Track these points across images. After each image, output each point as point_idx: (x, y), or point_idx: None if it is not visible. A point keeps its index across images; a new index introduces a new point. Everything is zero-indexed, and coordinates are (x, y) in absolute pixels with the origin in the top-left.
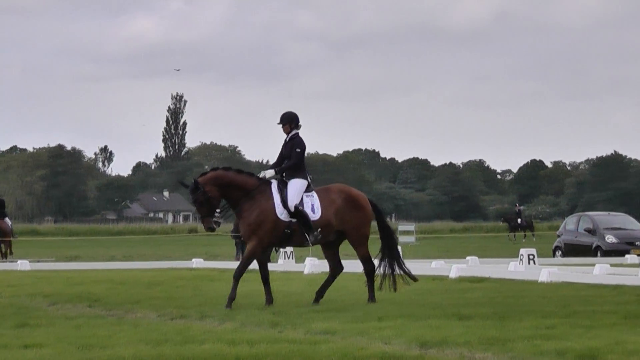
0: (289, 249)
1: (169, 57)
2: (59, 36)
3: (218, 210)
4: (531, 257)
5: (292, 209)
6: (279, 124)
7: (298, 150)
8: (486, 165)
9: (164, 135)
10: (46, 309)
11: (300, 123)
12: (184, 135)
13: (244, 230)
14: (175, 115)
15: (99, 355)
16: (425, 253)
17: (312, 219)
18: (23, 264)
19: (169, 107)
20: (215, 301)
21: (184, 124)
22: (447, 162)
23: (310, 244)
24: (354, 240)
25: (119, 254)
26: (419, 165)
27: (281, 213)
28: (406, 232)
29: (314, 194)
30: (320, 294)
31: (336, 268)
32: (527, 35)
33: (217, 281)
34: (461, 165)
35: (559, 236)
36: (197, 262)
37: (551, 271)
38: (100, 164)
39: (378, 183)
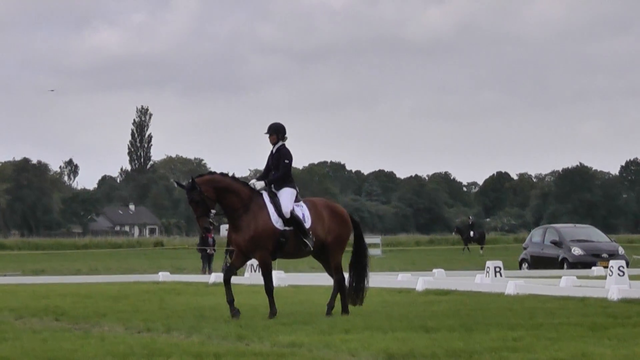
0: (255, 262)
1: (132, 70)
2: (22, 49)
3: (213, 211)
4: (497, 269)
5: (288, 215)
6: (266, 133)
7: (286, 161)
8: (452, 177)
9: (129, 149)
10: (12, 323)
11: (286, 135)
12: (149, 148)
13: (245, 242)
14: (140, 128)
15: None
16: (391, 266)
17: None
18: None
19: (134, 120)
20: (182, 314)
21: (149, 136)
22: (413, 175)
23: (311, 248)
24: (333, 250)
25: (84, 268)
26: (384, 178)
27: (276, 221)
28: (372, 244)
29: (303, 204)
30: (343, 306)
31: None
32: (489, 47)
33: (183, 294)
34: (427, 178)
35: (525, 248)
36: (163, 276)
37: (517, 283)
38: (65, 177)
39: (343, 195)
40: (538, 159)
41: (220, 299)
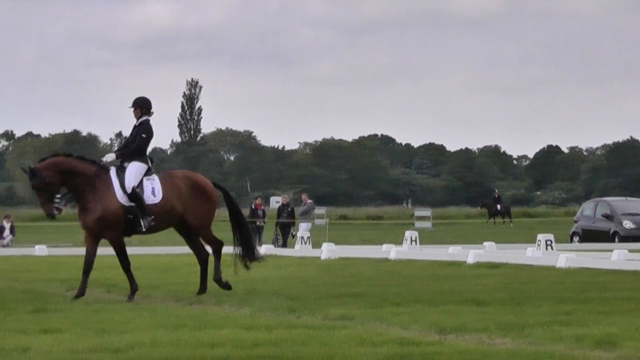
0: (306, 235)
1: (182, 43)
2: (71, 21)
3: (58, 195)
4: (549, 242)
5: (129, 190)
6: (130, 107)
7: (143, 135)
8: (502, 150)
9: (179, 121)
10: (64, 294)
11: (152, 110)
12: (199, 120)
13: (93, 223)
14: (190, 100)
15: (117, 340)
16: (441, 239)
17: (152, 201)
18: (40, 250)
19: (184, 92)
20: (233, 286)
21: (199, 109)
22: (463, 148)
23: (144, 229)
24: (196, 226)
25: (134, 239)
26: (434, 151)
27: (121, 198)
28: (422, 217)
29: (155, 177)
30: (202, 286)
31: (202, 255)
32: (539, 20)
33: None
34: (477, 151)
35: (576, 222)
36: None
37: (569, 257)
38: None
39: (393, 168)
40: (589, 133)
41: (272, 271)
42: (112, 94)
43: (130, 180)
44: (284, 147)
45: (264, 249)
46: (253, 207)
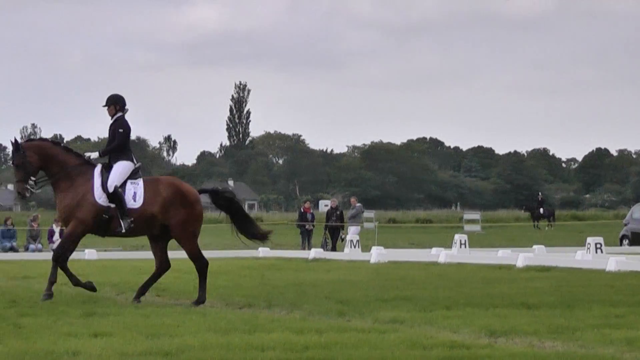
0: (355, 238)
1: (230, 46)
2: (120, 25)
3: (33, 178)
4: (598, 245)
5: (111, 190)
6: (103, 106)
7: (120, 130)
8: (551, 153)
9: (227, 124)
10: (114, 298)
11: (127, 107)
12: (247, 124)
13: (60, 211)
14: (238, 104)
15: (168, 344)
16: (490, 242)
17: (132, 206)
18: (90, 253)
19: (232, 96)
20: (282, 290)
21: (248, 112)
22: (512, 151)
23: (123, 230)
24: (178, 236)
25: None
26: (482, 154)
27: (99, 197)
28: (471, 220)
29: (140, 182)
30: (142, 291)
31: (162, 265)
32: (589, 21)
33: (283, 270)
34: (525, 154)
35: (625, 225)
36: (263, 251)
37: (619, 260)
38: (164, 153)
39: (442, 171)
40: (638, 135)
41: (322, 275)
42: (161, 97)
43: (114, 179)
44: (332, 150)
45: (313, 253)
46: (302, 210)
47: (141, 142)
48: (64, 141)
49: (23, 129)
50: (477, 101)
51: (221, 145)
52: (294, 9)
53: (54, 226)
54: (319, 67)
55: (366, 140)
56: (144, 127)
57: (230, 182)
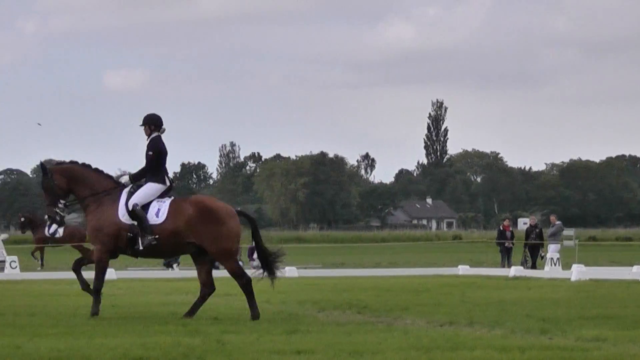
0: (555, 256)
1: (426, 64)
2: (315, 43)
3: (62, 202)
4: None
5: (130, 207)
6: (140, 125)
7: (150, 153)
8: None
9: (425, 142)
10: (315, 316)
11: (164, 127)
12: (445, 142)
13: (88, 233)
14: (436, 121)
15: None
16: None
17: (154, 222)
18: (291, 271)
19: (429, 113)
20: (483, 307)
21: (445, 130)
22: None
23: (141, 247)
24: (214, 254)
25: (384, 261)
26: None
27: (122, 215)
28: None
29: (167, 200)
30: (192, 310)
31: (205, 287)
32: None
33: (484, 288)
34: None
35: None
36: (462, 269)
37: None
38: (362, 171)
39: None
40: None
41: (523, 292)
42: (358, 115)
43: (134, 199)
44: (530, 168)
45: (513, 270)
46: (501, 228)
47: (339, 160)
48: (262, 159)
49: (222, 147)
50: None
51: (418, 163)
52: (489, 26)
53: (254, 244)
54: (516, 84)
55: (564, 157)
56: (342, 146)
57: (429, 200)
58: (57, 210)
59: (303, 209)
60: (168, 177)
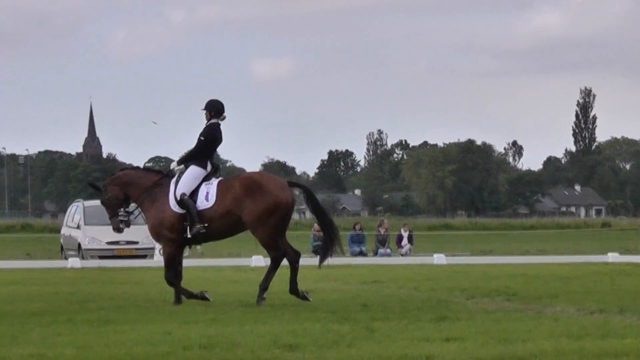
0: None
1: (574, 51)
2: (462, 32)
3: (122, 209)
4: None
5: (178, 198)
6: (202, 110)
7: (202, 138)
8: None
9: (573, 130)
10: (464, 303)
11: (224, 114)
12: (593, 129)
13: (150, 232)
14: (584, 109)
15: (521, 349)
16: None
17: (205, 206)
18: (439, 258)
19: (577, 101)
20: (634, 295)
21: (594, 118)
22: None
23: (189, 235)
24: (250, 223)
25: (532, 248)
26: None
27: (174, 205)
28: None
29: (214, 181)
30: (293, 287)
31: (291, 257)
32: None
33: (634, 276)
34: None
35: None
36: (612, 257)
37: None
38: (510, 159)
39: None
40: None
41: None
42: (505, 103)
43: (180, 187)
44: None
45: None
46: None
47: (486, 148)
48: (409, 146)
49: (370, 134)
50: None
51: (566, 150)
52: (638, 12)
53: (402, 231)
54: None
55: None
56: (489, 133)
57: (577, 188)
58: (120, 219)
59: (450, 197)
60: (212, 162)
